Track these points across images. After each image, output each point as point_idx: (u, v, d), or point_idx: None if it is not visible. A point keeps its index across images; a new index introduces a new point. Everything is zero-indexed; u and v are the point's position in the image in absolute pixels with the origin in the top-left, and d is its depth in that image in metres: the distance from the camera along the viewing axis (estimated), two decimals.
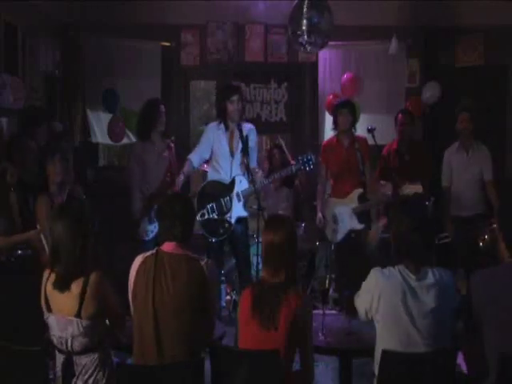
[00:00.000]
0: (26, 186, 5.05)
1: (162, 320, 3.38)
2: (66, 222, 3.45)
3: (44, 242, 4.42)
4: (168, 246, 3.52)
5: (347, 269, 6.16)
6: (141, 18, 7.90)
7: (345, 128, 6.23)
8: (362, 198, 6.16)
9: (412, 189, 5.84)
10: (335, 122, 6.32)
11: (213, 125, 6.08)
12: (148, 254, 3.54)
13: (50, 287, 3.45)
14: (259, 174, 6.05)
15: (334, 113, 6.36)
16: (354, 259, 6.15)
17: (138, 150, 6.29)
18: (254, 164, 6.03)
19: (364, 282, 3.39)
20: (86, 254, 3.47)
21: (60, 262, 3.44)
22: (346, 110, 6.22)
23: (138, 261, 3.54)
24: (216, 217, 5.82)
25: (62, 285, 3.41)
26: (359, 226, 6.16)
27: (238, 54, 8.27)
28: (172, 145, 6.38)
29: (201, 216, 5.80)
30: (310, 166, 5.77)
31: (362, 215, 6.15)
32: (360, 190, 6.18)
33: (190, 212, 3.65)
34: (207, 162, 6.31)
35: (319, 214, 6.41)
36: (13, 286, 4.45)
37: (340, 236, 6.17)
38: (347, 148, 6.26)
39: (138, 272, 3.49)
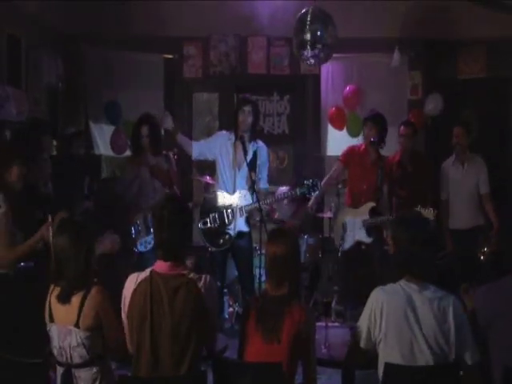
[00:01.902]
0: (33, 198, 5.05)
1: (160, 343, 3.26)
2: (69, 235, 3.46)
3: (50, 236, 4.40)
4: (162, 266, 3.36)
5: (352, 279, 6.15)
6: (143, 30, 7.91)
7: (369, 140, 6.24)
8: (373, 213, 6.15)
9: (425, 214, 5.81)
10: (363, 134, 6.42)
11: (224, 132, 6.12)
12: (142, 276, 3.36)
13: (53, 299, 3.45)
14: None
15: (363, 125, 6.44)
16: (361, 271, 6.14)
17: (131, 164, 6.31)
18: (263, 184, 6.03)
19: (367, 302, 3.37)
20: (88, 266, 3.47)
21: (63, 275, 3.45)
22: (370, 123, 6.25)
23: (131, 283, 3.37)
24: (217, 227, 5.83)
25: (65, 298, 3.41)
26: (367, 239, 6.15)
27: (241, 67, 8.28)
28: (171, 155, 6.33)
29: (203, 224, 5.81)
30: (314, 192, 5.77)
31: (371, 229, 6.14)
32: (372, 204, 6.16)
33: (186, 225, 3.48)
34: (211, 174, 6.32)
35: (311, 202, 6.39)
36: (15, 298, 4.43)
37: (347, 245, 6.14)
38: (372, 162, 6.25)
39: (132, 297, 3.33)
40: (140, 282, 3.34)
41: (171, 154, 6.32)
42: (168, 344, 3.26)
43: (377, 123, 6.25)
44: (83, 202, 6.05)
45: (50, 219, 4.37)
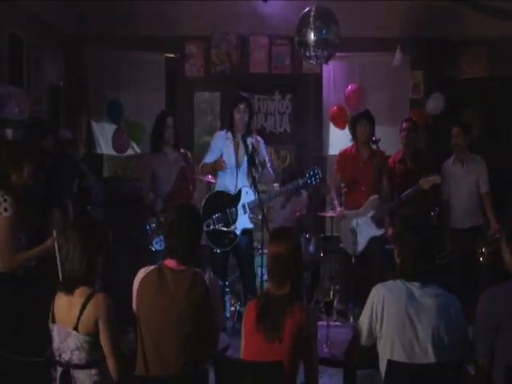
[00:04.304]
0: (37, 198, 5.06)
1: (164, 332, 3.37)
2: (78, 233, 3.46)
3: (57, 251, 4.41)
4: (171, 263, 3.53)
5: (353, 278, 6.13)
6: (145, 29, 7.93)
7: (364, 139, 6.23)
8: (378, 204, 6.16)
9: (430, 181, 5.91)
10: (354, 133, 6.32)
11: (221, 133, 6.11)
12: (151, 268, 3.54)
13: (57, 299, 3.46)
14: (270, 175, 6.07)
15: (353, 124, 6.36)
16: (362, 270, 6.12)
17: (149, 162, 6.29)
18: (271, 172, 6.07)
19: (368, 298, 3.37)
20: (93, 266, 3.47)
21: (66, 269, 3.46)
22: (365, 121, 6.23)
23: (140, 274, 3.54)
24: (221, 228, 5.82)
25: (68, 288, 3.42)
26: (379, 232, 6.15)
27: (242, 66, 8.29)
28: (189, 154, 6.35)
29: (206, 226, 5.80)
30: (316, 181, 5.79)
31: (380, 220, 6.15)
32: (375, 196, 6.16)
33: (196, 232, 3.62)
34: (213, 173, 6.33)
35: (338, 209, 6.37)
36: (18, 297, 4.43)
37: (361, 247, 6.12)
38: (365, 161, 6.24)
39: (140, 285, 3.50)
40: (149, 272, 3.51)
41: (189, 154, 6.35)
42: (172, 336, 3.35)
43: (371, 121, 6.25)
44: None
45: (54, 234, 4.38)
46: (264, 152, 6.06)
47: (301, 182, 5.85)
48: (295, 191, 6.87)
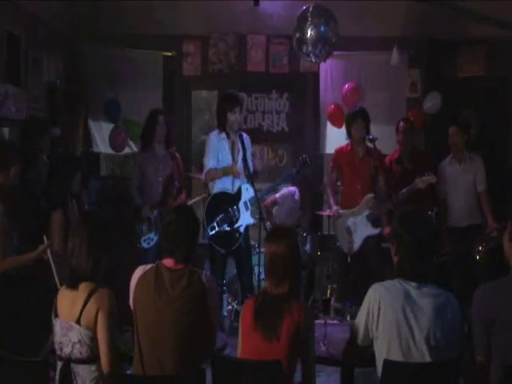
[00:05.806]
0: (31, 198, 5.07)
1: (161, 331, 3.38)
2: (85, 232, 3.46)
3: (49, 256, 4.41)
4: (169, 262, 3.53)
5: (351, 277, 6.15)
6: (143, 28, 7.92)
7: (358, 138, 6.25)
8: (374, 203, 6.17)
9: (426, 181, 5.93)
10: (349, 132, 6.34)
11: (214, 133, 6.13)
12: (148, 267, 3.54)
13: (60, 294, 3.47)
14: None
15: (348, 122, 6.38)
16: (360, 269, 6.13)
17: (139, 160, 6.45)
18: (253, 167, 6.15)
19: (364, 298, 3.37)
20: (101, 263, 3.48)
21: (72, 264, 3.46)
22: (360, 120, 6.25)
23: (137, 273, 3.55)
24: (226, 228, 5.84)
25: (72, 283, 3.42)
26: (375, 231, 6.16)
27: (240, 65, 8.28)
28: (177, 155, 6.42)
29: (211, 229, 5.81)
30: (307, 164, 5.88)
31: (376, 220, 6.15)
32: (371, 195, 6.17)
33: (194, 234, 3.63)
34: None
35: (334, 207, 6.40)
36: (15, 297, 4.44)
37: (357, 246, 6.14)
38: (361, 159, 6.27)
39: (137, 284, 3.50)
40: (146, 271, 3.52)
41: (177, 154, 6.41)
42: (169, 335, 3.37)
43: (365, 119, 6.27)
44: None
45: (46, 241, 4.38)
46: (249, 151, 6.15)
47: (294, 171, 6.02)
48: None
